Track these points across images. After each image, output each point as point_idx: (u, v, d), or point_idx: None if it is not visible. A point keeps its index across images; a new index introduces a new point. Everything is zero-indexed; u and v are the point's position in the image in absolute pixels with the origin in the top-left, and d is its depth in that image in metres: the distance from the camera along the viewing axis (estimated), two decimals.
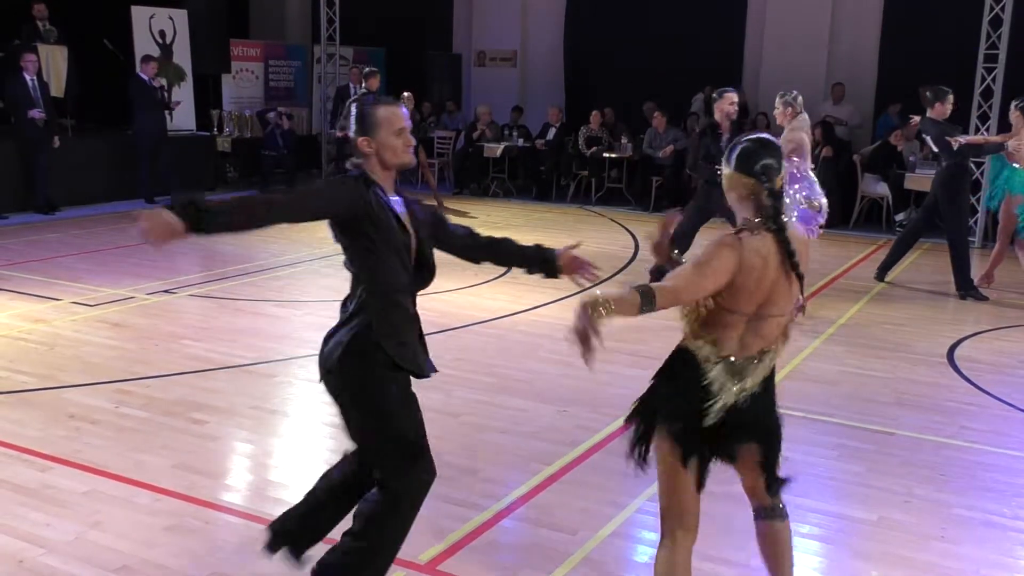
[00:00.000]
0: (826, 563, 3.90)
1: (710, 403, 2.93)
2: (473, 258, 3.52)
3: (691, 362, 3.00)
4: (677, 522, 3.01)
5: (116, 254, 9.55)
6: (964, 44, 11.65)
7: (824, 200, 7.50)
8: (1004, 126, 11.48)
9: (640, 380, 5.96)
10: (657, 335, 7.11)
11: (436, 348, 6.84)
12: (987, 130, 11.17)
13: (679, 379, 3.04)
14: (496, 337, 6.97)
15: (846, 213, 12.50)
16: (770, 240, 2.86)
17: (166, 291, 8.03)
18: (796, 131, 7.51)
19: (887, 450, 4.91)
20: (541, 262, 3.48)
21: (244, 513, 4.11)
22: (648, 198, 13.43)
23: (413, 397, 3.25)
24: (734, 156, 2.92)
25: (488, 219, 12.35)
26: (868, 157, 12.56)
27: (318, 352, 3.21)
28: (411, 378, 3.27)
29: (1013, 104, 8.67)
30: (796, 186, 7.36)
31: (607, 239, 11.22)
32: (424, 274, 3.27)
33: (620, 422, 5.22)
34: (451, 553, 3.81)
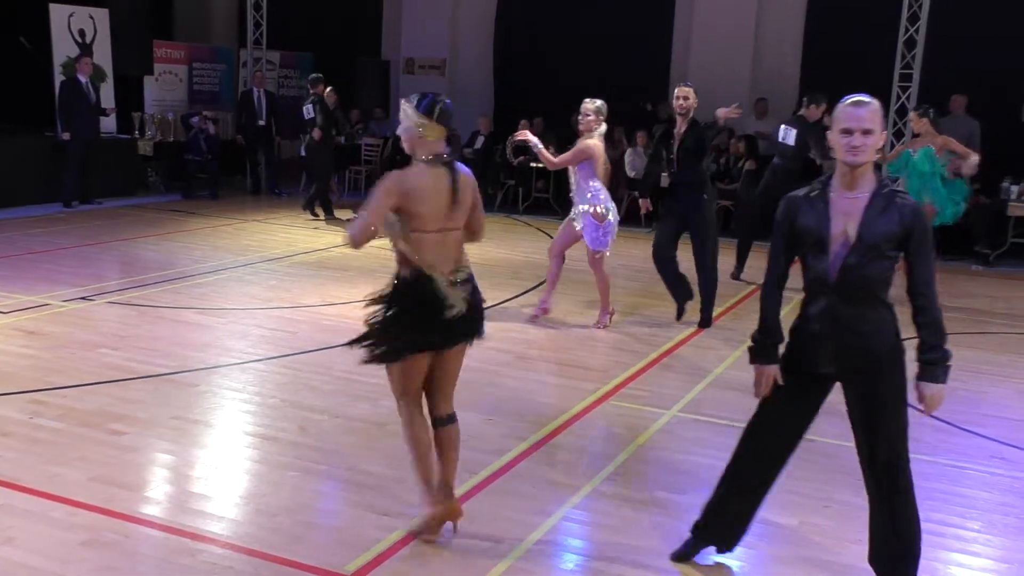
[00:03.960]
0: (748, 567, 3.97)
1: (445, 309, 3.71)
2: None
3: (413, 282, 3.72)
4: (414, 399, 3.94)
5: (31, 259, 9.26)
6: (880, 64, 12.03)
7: (611, 206, 7.42)
8: None
9: (565, 389, 6.04)
10: (582, 344, 7.19)
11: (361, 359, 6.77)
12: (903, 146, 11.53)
13: (408, 297, 3.74)
14: None
15: (766, 225, 12.76)
16: (443, 172, 3.75)
17: (83, 298, 7.81)
18: (590, 140, 7.33)
19: (808, 456, 5.01)
20: None
21: (164, 526, 4.01)
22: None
23: None
24: (423, 106, 3.74)
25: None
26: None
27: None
28: None
29: (916, 113, 9.01)
30: (588, 195, 7.38)
31: (533, 248, 11.28)
32: None
33: (549, 430, 5.27)
34: (378, 563, 3.78)
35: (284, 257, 9.94)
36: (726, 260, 8.89)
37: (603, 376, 6.34)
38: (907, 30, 11.62)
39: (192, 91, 15.91)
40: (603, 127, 7.37)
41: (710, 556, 3.95)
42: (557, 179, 14.01)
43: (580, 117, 7.36)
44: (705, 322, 7.74)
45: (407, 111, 3.79)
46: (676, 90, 7.55)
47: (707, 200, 7.58)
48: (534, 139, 7.62)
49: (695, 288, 7.77)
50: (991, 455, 5.31)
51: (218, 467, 4.70)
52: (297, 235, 11.30)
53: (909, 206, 3.32)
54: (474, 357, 6.69)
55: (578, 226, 7.50)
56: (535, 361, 6.74)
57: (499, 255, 10.77)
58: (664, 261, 7.74)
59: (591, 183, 7.38)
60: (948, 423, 5.66)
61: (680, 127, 7.48)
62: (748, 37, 14.48)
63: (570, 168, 7.53)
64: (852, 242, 3.32)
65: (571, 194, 7.66)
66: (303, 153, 13.44)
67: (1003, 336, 8.03)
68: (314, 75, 13.06)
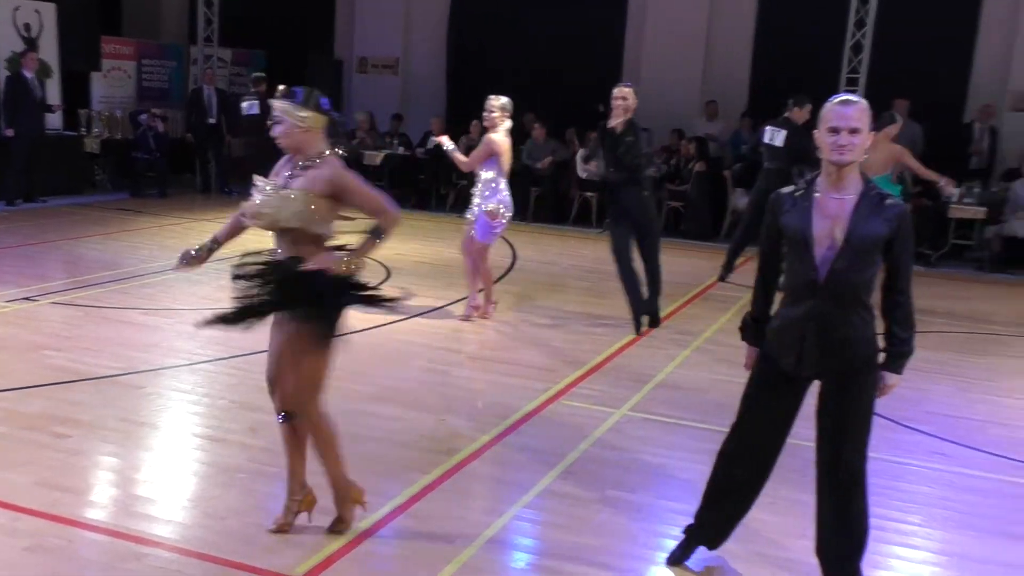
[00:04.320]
0: (695, 564, 4.02)
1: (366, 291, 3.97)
2: None
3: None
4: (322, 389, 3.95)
5: None
6: (828, 67, 12.24)
7: (507, 203, 7.53)
8: None
9: (516, 388, 6.06)
10: (533, 344, 7.22)
11: None
12: None
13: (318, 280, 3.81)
14: (373, 346, 6.92)
15: (716, 226, 12.96)
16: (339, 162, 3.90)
17: (26, 298, 7.66)
18: (495, 135, 7.43)
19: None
20: None
21: (110, 530, 3.96)
22: (526, 208, 13.58)
23: None
24: (312, 101, 3.81)
25: (367, 227, 12.25)
26: (737, 173, 13.03)
27: None
28: None
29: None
30: (487, 193, 7.52)
31: None
32: None
33: (500, 429, 5.29)
34: (328, 564, 3.76)
35: (234, 257, 9.81)
36: (687, 259, 9.00)
37: (554, 376, 6.37)
38: (854, 35, 11.84)
39: (141, 88, 15.67)
40: (508, 123, 7.50)
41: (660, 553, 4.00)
42: (510, 179, 14.03)
43: (485, 114, 7.48)
44: (654, 315, 7.81)
45: (286, 109, 3.79)
46: (615, 90, 7.61)
47: (647, 196, 7.67)
48: (449, 144, 7.75)
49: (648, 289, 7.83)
50: (932, 451, 5.44)
51: (165, 470, 4.64)
52: (247, 235, 11.17)
53: (896, 209, 3.34)
54: (426, 357, 6.76)
55: (471, 217, 7.63)
56: (486, 361, 6.76)
57: (450, 255, 10.74)
58: (625, 260, 7.76)
59: (494, 178, 7.52)
60: (891, 420, 5.79)
61: (618, 127, 7.55)
62: (700, 40, 14.63)
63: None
64: (840, 245, 3.31)
65: (473, 189, 7.75)
66: (244, 153, 13.33)
67: (944, 335, 8.22)
68: (257, 73, 12.92)
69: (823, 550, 3.69)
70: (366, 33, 16.70)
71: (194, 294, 8.12)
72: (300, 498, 4.03)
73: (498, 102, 7.44)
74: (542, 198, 13.62)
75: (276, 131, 3.83)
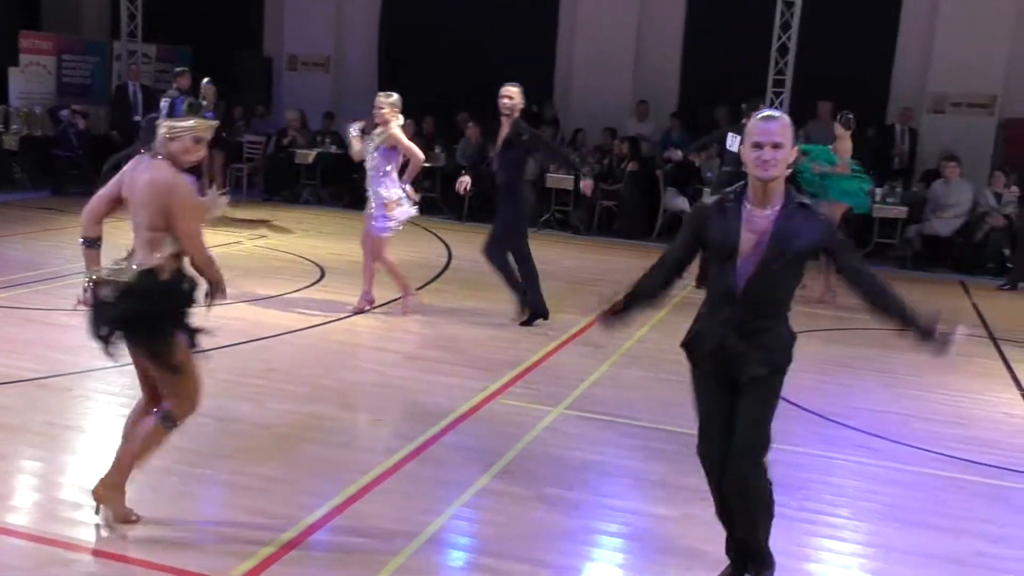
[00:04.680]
0: (631, 559, 4.07)
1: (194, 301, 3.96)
2: None
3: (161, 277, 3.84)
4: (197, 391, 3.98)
5: None
6: (755, 68, 12.47)
7: (399, 188, 7.63)
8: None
9: (452, 388, 6.05)
10: (470, 343, 7.22)
11: (247, 358, 6.68)
12: None
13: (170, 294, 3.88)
14: (308, 347, 6.85)
15: (649, 225, 13.10)
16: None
17: None
18: (395, 129, 7.56)
19: (689, 450, 5.16)
20: None
21: (33, 535, 3.84)
22: (461, 208, 13.56)
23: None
24: (182, 109, 3.78)
25: (299, 227, 12.12)
26: (668, 173, 13.19)
27: None
28: None
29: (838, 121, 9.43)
30: (384, 184, 7.60)
31: (421, 248, 11.25)
32: None
33: (437, 429, 5.27)
34: (263, 568, 3.71)
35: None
36: (620, 258, 9.03)
37: (491, 375, 6.37)
38: (780, 37, 12.09)
39: (61, 84, 15.22)
40: (400, 119, 7.63)
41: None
42: (445, 179, 14.01)
43: (375, 110, 7.60)
44: (531, 312, 7.77)
45: (171, 125, 3.77)
46: (501, 89, 7.68)
47: (522, 196, 7.72)
48: (355, 131, 7.87)
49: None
50: (858, 445, 5.58)
51: (92, 474, 4.51)
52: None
53: (820, 221, 3.39)
54: (362, 357, 6.70)
55: (369, 212, 7.65)
56: (423, 360, 6.73)
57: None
58: (496, 256, 7.74)
59: (392, 172, 7.62)
60: (818, 415, 5.93)
61: (503, 126, 7.61)
62: (630, 40, 14.77)
63: (370, 157, 7.65)
64: (762, 256, 3.34)
65: (367, 183, 7.76)
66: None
67: (867, 332, 8.41)
68: (179, 68, 12.64)
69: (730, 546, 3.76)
70: (296, 31, 16.47)
71: None
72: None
73: (388, 99, 7.59)
74: (476, 197, 13.58)
75: (163, 147, 3.81)
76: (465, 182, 8.21)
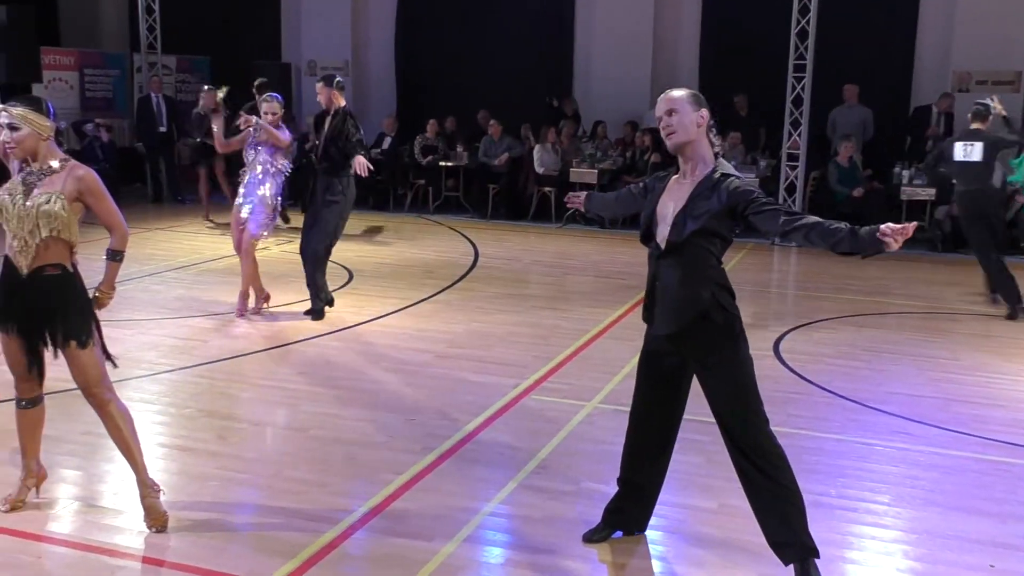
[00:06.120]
0: (670, 551, 4.05)
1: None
2: None
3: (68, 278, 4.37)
4: None
5: None
6: (775, 56, 12.37)
7: (277, 185, 7.60)
8: (814, 130, 12.30)
9: (485, 386, 6.05)
10: (500, 340, 7.21)
11: (279, 362, 6.72)
12: (799, 135, 11.89)
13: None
14: (339, 349, 6.87)
15: None
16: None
17: None
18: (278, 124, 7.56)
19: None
20: None
21: (78, 544, 3.88)
22: (485, 206, 13.58)
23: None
24: (41, 108, 3.97)
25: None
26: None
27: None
28: None
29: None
30: (268, 183, 7.53)
31: (447, 247, 11.27)
32: None
33: (472, 426, 5.27)
34: (304, 569, 3.72)
35: (191, 265, 9.71)
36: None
37: (523, 371, 6.37)
38: (799, 22, 11.97)
39: (84, 98, 15.38)
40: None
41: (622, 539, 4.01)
42: (468, 177, 14.04)
43: (268, 117, 7.57)
44: (315, 313, 7.59)
45: (31, 119, 3.93)
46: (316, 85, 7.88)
47: (340, 192, 7.56)
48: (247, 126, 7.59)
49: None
50: (895, 431, 5.52)
51: (133, 482, 4.56)
52: (203, 242, 11.05)
53: (732, 185, 3.51)
54: (394, 358, 6.71)
55: (245, 213, 7.56)
56: (454, 359, 6.73)
57: (412, 255, 10.74)
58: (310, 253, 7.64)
59: (278, 167, 7.61)
60: (854, 401, 5.87)
61: (327, 119, 7.64)
62: (647, 31, 14.69)
63: (249, 150, 7.62)
64: (673, 220, 3.56)
65: (244, 178, 7.67)
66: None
67: (901, 316, 8.35)
68: (208, 86, 12.81)
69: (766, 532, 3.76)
70: (314, 36, 16.54)
71: (153, 303, 7.99)
72: (35, 476, 4.25)
73: (271, 105, 7.62)
74: (500, 195, 13.61)
75: (11, 137, 3.90)
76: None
